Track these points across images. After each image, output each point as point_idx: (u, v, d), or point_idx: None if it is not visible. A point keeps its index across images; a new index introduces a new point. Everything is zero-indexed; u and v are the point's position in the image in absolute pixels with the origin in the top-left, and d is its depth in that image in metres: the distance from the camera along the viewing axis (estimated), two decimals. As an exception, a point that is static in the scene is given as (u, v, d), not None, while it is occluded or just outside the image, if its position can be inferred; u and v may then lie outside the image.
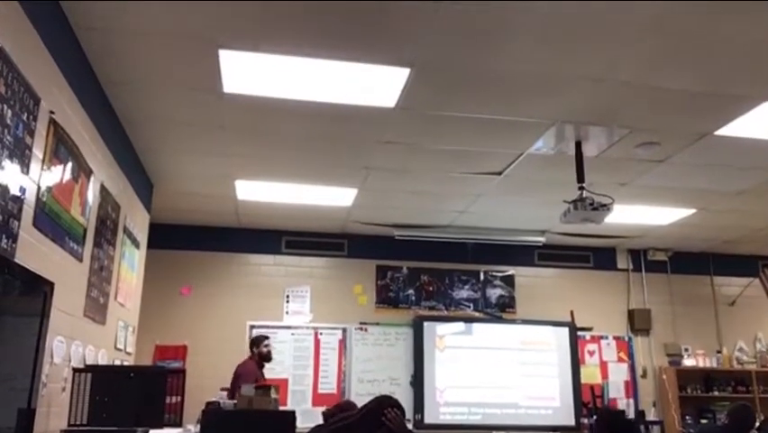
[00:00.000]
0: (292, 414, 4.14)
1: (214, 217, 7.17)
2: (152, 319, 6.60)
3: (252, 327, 7.22)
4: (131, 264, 5.34)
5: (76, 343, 3.82)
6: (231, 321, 7.20)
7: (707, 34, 3.40)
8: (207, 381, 5.73)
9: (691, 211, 6.61)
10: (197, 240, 7.37)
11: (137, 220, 5.51)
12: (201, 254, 7.36)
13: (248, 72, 3.86)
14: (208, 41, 3.53)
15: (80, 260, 3.86)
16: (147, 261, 6.01)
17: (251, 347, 6.25)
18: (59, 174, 3.38)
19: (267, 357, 6.19)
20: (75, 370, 3.57)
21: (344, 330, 7.44)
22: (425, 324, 7.54)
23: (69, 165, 3.54)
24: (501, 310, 7.88)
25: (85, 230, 3.91)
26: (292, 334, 7.32)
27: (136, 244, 5.52)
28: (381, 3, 3.17)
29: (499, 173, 5.59)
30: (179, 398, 3.78)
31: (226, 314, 7.23)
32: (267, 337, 6.31)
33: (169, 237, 7.08)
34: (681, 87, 3.99)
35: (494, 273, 7.99)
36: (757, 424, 5.47)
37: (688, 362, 7.95)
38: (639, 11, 3.20)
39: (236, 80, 3.95)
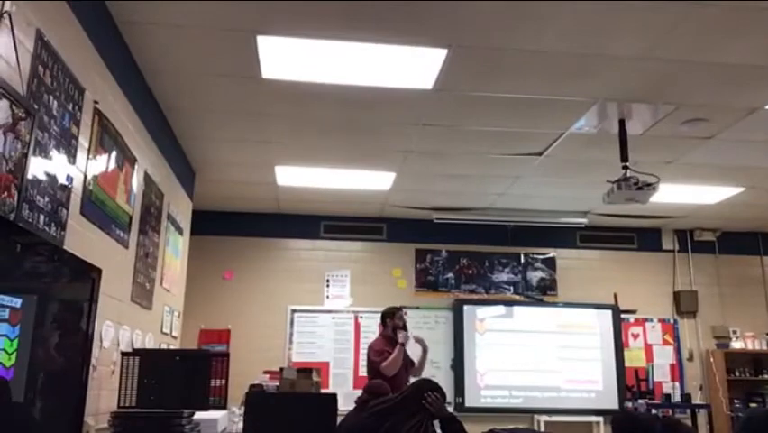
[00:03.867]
0: (333, 396, 4.19)
1: (255, 203, 7.25)
2: (196, 304, 6.73)
3: (294, 310, 7.32)
4: (175, 250, 5.44)
5: (124, 327, 3.92)
6: (272, 305, 7.30)
7: (754, 5, 3.27)
8: (250, 364, 5.80)
9: (740, 189, 6.40)
10: (238, 226, 7.47)
11: (180, 207, 5.61)
12: (242, 240, 7.46)
13: (286, 57, 3.87)
14: (246, 28, 3.54)
15: (126, 246, 3.94)
16: (190, 247, 6.12)
17: (383, 320, 5.56)
18: (104, 163, 3.45)
19: (401, 329, 5.50)
20: (123, 353, 3.65)
21: (384, 314, 7.45)
22: (465, 307, 7.52)
23: (114, 154, 3.61)
24: (542, 293, 7.80)
25: (130, 217, 3.99)
26: (333, 318, 7.38)
27: (180, 230, 5.62)
28: (418, -17, 3.13)
29: (540, 154, 5.50)
30: (224, 381, 3.84)
31: (268, 298, 7.33)
32: (399, 309, 5.67)
33: (211, 223, 7.20)
34: (728, 61, 3.84)
35: (535, 256, 7.90)
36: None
37: (736, 344, 7.75)
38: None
39: (274, 66, 3.96)
